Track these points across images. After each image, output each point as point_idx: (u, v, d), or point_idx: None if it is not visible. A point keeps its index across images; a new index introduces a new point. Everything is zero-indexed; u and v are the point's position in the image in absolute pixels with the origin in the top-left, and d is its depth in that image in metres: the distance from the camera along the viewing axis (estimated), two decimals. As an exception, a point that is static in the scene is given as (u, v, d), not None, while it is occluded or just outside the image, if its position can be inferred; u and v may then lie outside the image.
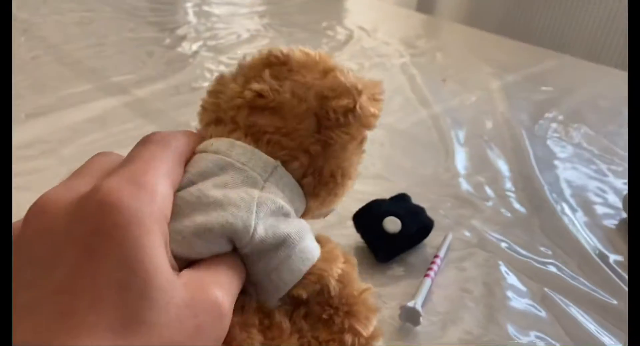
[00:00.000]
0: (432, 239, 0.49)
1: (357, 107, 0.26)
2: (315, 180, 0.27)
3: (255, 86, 0.26)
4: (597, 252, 0.49)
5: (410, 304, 0.40)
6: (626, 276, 0.46)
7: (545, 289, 0.44)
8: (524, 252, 0.48)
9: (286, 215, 0.25)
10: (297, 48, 0.28)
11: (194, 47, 0.92)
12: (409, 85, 0.81)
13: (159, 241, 0.20)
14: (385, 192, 0.51)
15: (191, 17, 1.09)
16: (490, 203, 0.55)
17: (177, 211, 0.23)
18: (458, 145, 0.65)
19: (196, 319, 0.20)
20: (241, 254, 0.24)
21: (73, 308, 0.18)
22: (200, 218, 0.22)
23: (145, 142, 0.24)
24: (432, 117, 0.71)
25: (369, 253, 0.46)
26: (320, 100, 0.26)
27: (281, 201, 0.25)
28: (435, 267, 0.45)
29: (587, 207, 0.55)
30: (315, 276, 0.25)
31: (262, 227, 0.23)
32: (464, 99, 0.78)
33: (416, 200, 0.50)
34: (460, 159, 0.62)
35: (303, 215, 0.28)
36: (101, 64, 0.83)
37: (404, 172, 0.59)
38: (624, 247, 0.50)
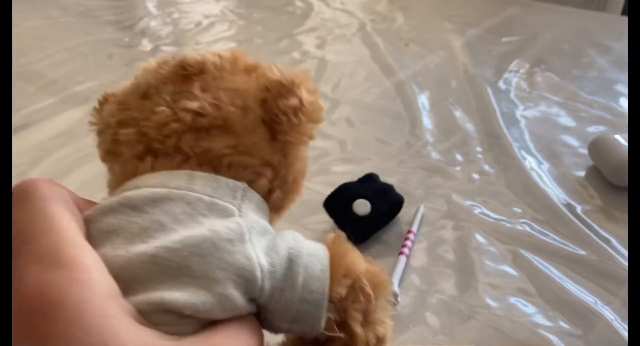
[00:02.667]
0: (405, 214, 0.50)
1: (305, 103, 0.24)
2: (282, 191, 0.26)
3: (192, 105, 0.23)
4: (565, 203, 0.50)
5: (387, 284, 0.41)
6: (593, 225, 0.47)
7: (518, 249, 0.46)
8: (495, 215, 0.49)
9: (270, 233, 0.23)
10: (204, 52, 0.26)
11: (154, 43, 0.91)
12: (370, 54, 0.80)
13: (121, 314, 0.18)
14: (357, 171, 0.51)
15: (150, 10, 1.07)
16: (459, 168, 0.55)
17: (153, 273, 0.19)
18: (425, 112, 0.65)
19: None
20: (259, 302, 0.21)
21: None
22: (200, 267, 0.19)
23: (19, 201, 0.20)
24: (396, 86, 0.71)
25: (344, 237, 0.47)
26: (263, 104, 0.24)
27: (263, 221, 0.23)
28: (409, 243, 0.46)
29: (554, 158, 0.56)
30: (342, 269, 0.23)
31: (262, 255, 0.21)
32: (428, 62, 0.78)
33: (386, 175, 0.51)
34: (428, 126, 0.63)
35: None
36: (62, 74, 0.82)
37: (374, 148, 0.60)
38: (593, 195, 0.51)
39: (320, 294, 0.22)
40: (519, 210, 0.50)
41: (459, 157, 0.57)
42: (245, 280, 0.20)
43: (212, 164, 0.23)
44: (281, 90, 0.24)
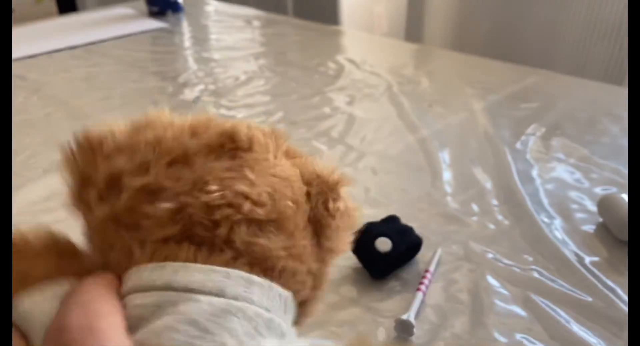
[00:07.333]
0: (423, 255, 0.53)
1: (349, 207, 0.23)
2: (314, 303, 0.24)
3: (249, 190, 0.20)
4: (574, 255, 0.53)
5: (404, 317, 0.44)
6: (600, 275, 0.50)
7: (528, 293, 0.49)
8: (507, 261, 0.53)
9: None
10: (248, 122, 0.23)
11: (195, 93, 0.98)
12: (396, 112, 0.86)
13: None
14: (380, 214, 0.55)
15: (191, 64, 1.16)
16: (475, 218, 0.59)
17: None
18: (445, 166, 0.70)
19: None
20: None
21: None
22: None
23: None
24: (419, 141, 0.77)
25: (365, 271, 0.51)
26: (311, 198, 0.22)
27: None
28: (426, 281, 0.49)
29: (565, 214, 0.59)
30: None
31: None
32: (450, 122, 0.83)
33: (407, 219, 0.55)
34: (447, 179, 0.67)
35: None
36: (110, 116, 0.89)
37: (396, 195, 0.64)
38: (600, 249, 0.54)
39: None
40: (530, 258, 0.53)
41: (475, 208, 0.61)
42: None
43: (263, 267, 0.20)
44: (325, 188, 0.22)
